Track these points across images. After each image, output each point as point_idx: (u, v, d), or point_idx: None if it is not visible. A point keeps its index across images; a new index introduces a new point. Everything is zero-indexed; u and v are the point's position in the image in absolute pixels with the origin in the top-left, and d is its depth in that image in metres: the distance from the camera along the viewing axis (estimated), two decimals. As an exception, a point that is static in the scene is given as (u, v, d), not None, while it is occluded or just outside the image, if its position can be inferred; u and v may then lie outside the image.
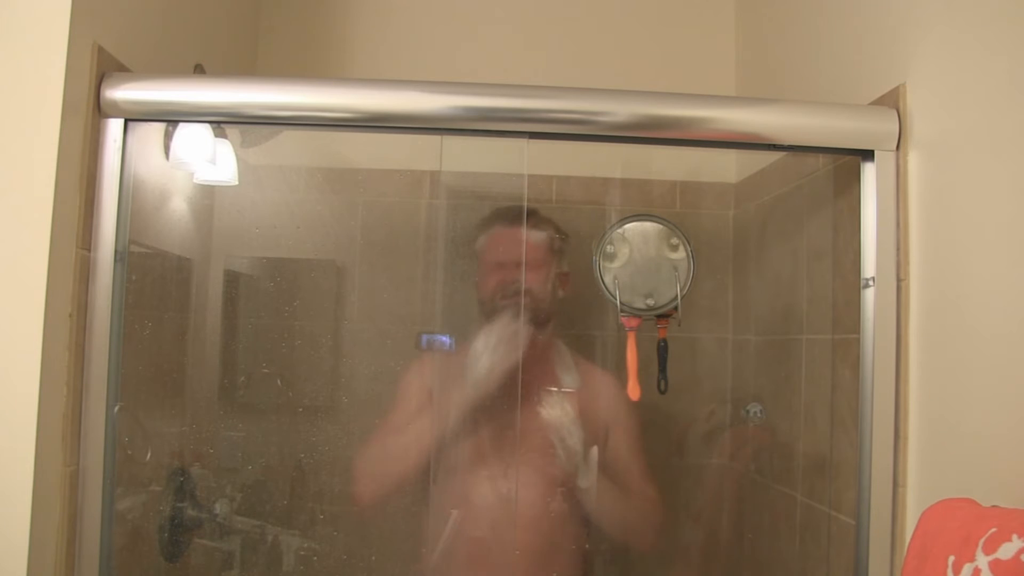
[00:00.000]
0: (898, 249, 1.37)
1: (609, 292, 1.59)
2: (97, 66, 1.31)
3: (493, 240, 1.71)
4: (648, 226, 1.61)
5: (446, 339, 1.86)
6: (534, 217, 1.73)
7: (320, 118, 1.43)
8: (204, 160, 1.61)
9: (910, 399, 1.33)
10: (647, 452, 1.71)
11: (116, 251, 1.33)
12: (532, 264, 1.68)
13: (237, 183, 1.81)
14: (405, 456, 1.65)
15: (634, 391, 1.59)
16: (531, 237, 1.71)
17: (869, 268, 1.40)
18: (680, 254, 1.60)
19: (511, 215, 1.71)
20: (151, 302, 1.60)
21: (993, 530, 0.91)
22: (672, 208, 2.23)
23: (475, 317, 1.79)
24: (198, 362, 1.93)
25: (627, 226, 1.61)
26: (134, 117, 1.36)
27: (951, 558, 0.95)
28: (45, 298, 1.21)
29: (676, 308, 1.59)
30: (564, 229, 1.76)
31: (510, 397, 1.63)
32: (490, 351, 1.62)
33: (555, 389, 1.68)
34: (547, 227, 1.74)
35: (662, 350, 1.66)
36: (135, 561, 1.55)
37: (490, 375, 1.61)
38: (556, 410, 1.64)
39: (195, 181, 1.77)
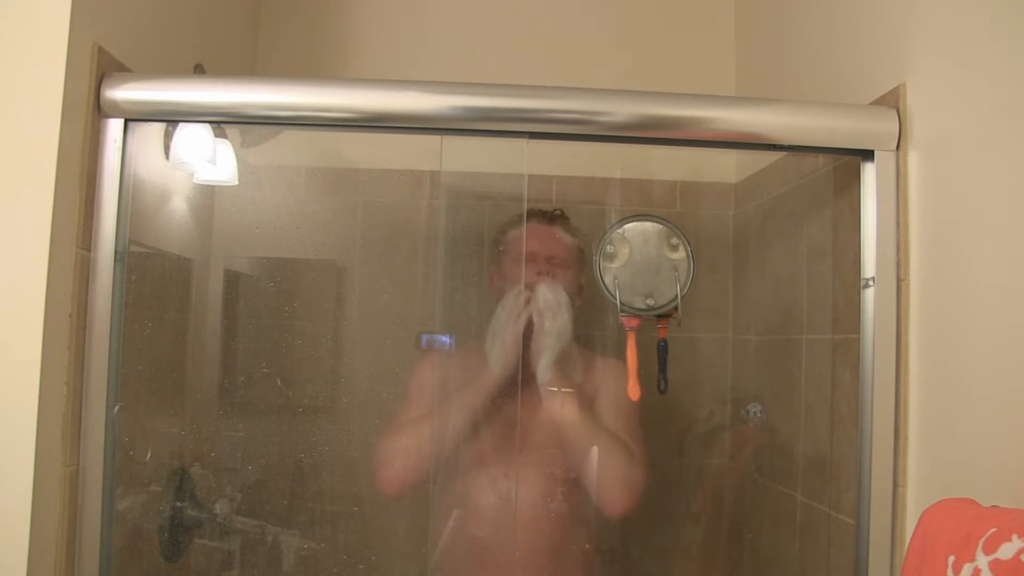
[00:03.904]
0: (898, 249, 1.37)
1: (609, 292, 1.59)
2: (97, 66, 1.31)
3: (526, 233, 1.71)
4: (648, 226, 1.61)
5: (446, 339, 1.86)
6: (565, 221, 1.76)
7: (320, 118, 1.43)
8: (204, 160, 1.61)
9: (910, 399, 1.34)
10: (643, 433, 1.68)
11: (116, 251, 1.33)
12: (558, 262, 1.70)
13: (237, 183, 1.81)
14: (428, 443, 1.64)
15: (634, 391, 1.59)
16: (562, 237, 1.73)
17: (869, 268, 1.40)
18: (680, 254, 1.59)
19: (547, 215, 1.74)
20: (151, 302, 1.60)
21: (993, 530, 0.91)
22: (672, 208, 2.24)
23: (476, 316, 1.79)
24: (198, 362, 1.93)
25: (627, 226, 1.61)
26: (134, 117, 1.36)
27: (951, 558, 0.95)
28: (45, 298, 1.21)
29: (676, 308, 1.59)
30: (586, 240, 1.76)
31: (512, 397, 1.63)
32: (507, 326, 1.63)
33: (561, 389, 1.68)
34: (577, 235, 1.76)
35: (662, 350, 1.65)
36: (135, 561, 1.55)
37: (512, 350, 1.62)
38: (560, 406, 1.65)
39: (195, 181, 1.77)
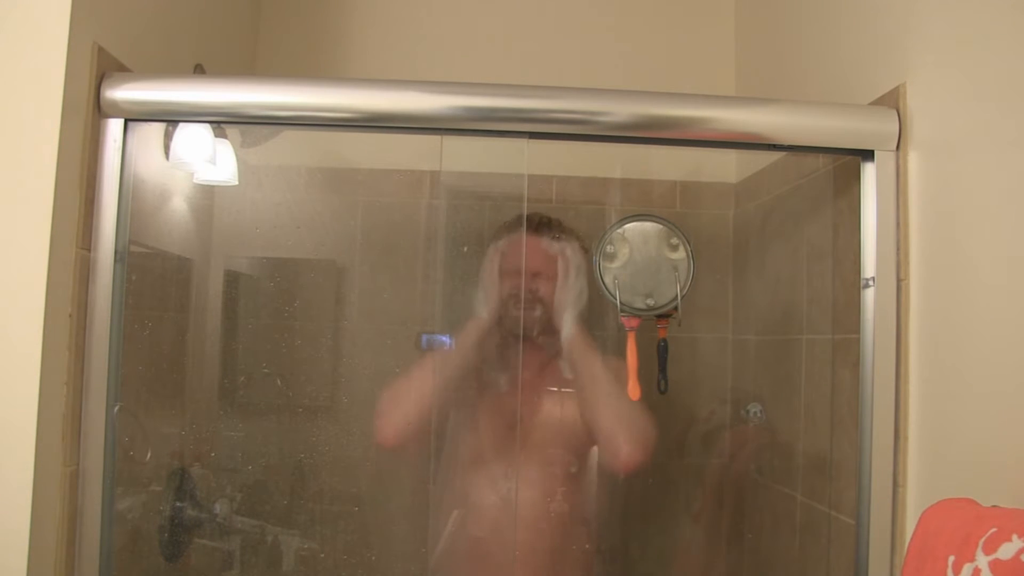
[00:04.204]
0: (898, 249, 1.37)
1: (609, 292, 1.59)
2: (97, 66, 1.31)
3: (515, 245, 1.69)
4: (648, 226, 1.61)
5: (446, 339, 1.86)
6: (558, 227, 1.73)
7: (320, 118, 1.43)
8: (204, 160, 1.61)
9: (910, 399, 1.33)
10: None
11: (116, 251, 1.33)
12: (550, 276, 1.68)
13: (237, 183, 1.81)
14: (425, 394, 1.66)
15: (634, 391, 1.59)
16: (552, 248, 1.70)
17: (869, 268, 1.40)
18: (680, 254, 1.59)
19: (536, 223, 1.71)
20: (151, 302, 1.60)
21: (993, 530, 0.91)
22: (672, 208, 2.23)
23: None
24: (198, 362, 1.93)
25: (627, 226, 1.61)
26: (134, 117, 1.36)
27: (951, 558, 0.95)
28: (45, 298, 1.21)
29: (676, 308, 1.59)
30: (586, 242, 1.74)
31: (512, 398, 1.63)
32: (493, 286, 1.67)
33: (561, 389, 1.69)
34: (571, 239, 1.73)
35: (662, 350, 1.66)
36: (135, 561, 1.55)
37: (493, 293, 1.66)
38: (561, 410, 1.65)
39: (195, 181, 1.77)
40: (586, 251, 1.72)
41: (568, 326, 1.65)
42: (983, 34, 1.19)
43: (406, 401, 1.65)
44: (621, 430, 1.59)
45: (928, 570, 1.00)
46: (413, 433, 1.64)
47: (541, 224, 1.72)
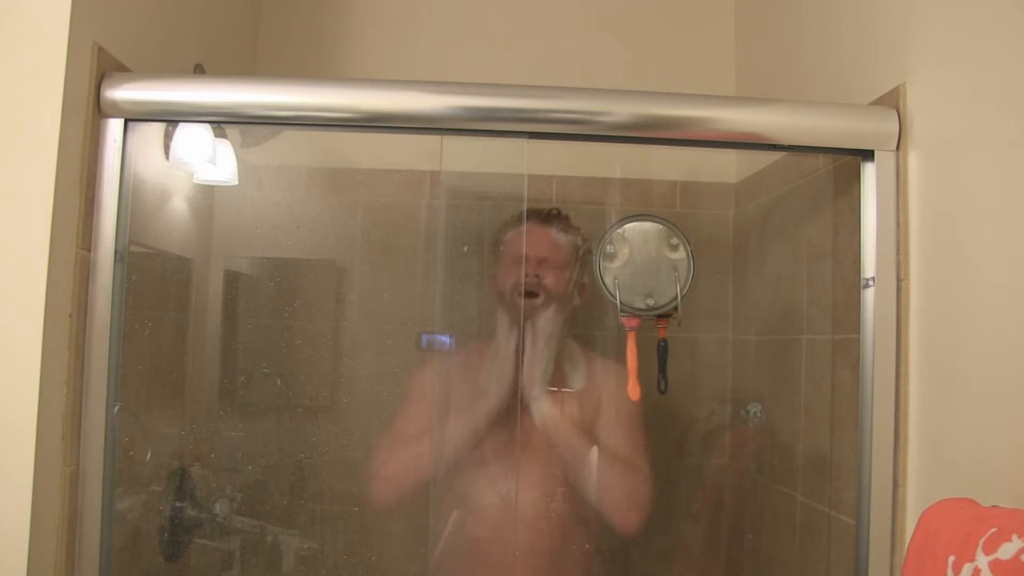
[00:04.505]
0: (898, 249, 1.37)
1: (609, 292, 1.59)
2: (97, 66, 1.31)
3: (521, 235, 1.70)
4: (648, 226, 1.61)
5: (446, 339, 1.86)
6: (563, 220, 1.74)
7: (320, 118, 1.43)
8: (204, 160, 1.61)
9: (910, 399, 1.33)
10: (647, 443, 1.69)
11: (116, 251, 1.33)
12: (554, 263, 1.68)
13: (237, 183, 1.81)
14: (424, 457, 1.65)
15: (634, 391, 1.59)
16: (558, 238, 1.71)
17: (869, 268, 1.40)
18: (680, 254, 1.59)
19: (543, 215, 1.72)
20: (151, 302, 1.60)
21: (993, 530, 0.91)
22: (672, 208, 2.23)
23: (476, 316, 1.79)
24: (198, 362, 1.93)
25: (627, 226, 1.61)
26: (134, 117, 1.36)
27: (951, 558, 0.95)
28: (45, 298, 1.21)
29: (676, 308, 1.59)
30: (587, 238, 1.74)
31: (512, 398, 1.63)
32: (503, 357, 1.65)
33: (562, 389, 1.69)
34: (575, 233, 1.74)
35: (662, 350, 1.66)
36: (135, 561, 1.55)
37: (508, 376, 1.64)
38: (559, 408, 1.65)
39: (195, 181, 1.77)
40: (590, 253, 1.72)
41: (537, 403, 1.64)
42: (983, 34, 1.19)
43: (404, 465, 1.65)
44: (614, 501, 1.62)
45: (928, 570, 1.00)
46: (411, 492, 1.66)
47: (549, 217, 1.73)
